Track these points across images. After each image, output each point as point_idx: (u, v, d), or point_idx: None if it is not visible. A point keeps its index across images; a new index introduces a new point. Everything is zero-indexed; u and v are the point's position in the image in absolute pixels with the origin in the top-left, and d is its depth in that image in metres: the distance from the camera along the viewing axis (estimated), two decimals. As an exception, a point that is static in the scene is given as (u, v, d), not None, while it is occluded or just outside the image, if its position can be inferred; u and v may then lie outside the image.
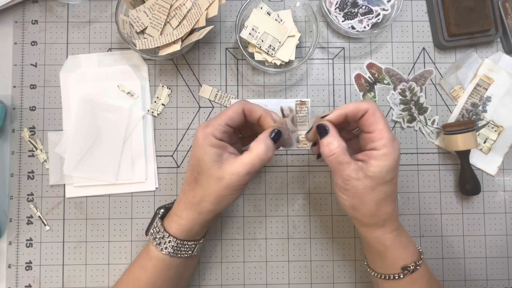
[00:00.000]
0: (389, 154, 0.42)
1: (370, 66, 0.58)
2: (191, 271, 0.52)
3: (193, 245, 0.48)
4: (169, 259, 0.47)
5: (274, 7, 0.57)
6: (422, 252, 0.47)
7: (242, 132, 0.51)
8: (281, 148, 0.49)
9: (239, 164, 0.43)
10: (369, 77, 0.58)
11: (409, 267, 0.45)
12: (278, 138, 0.45)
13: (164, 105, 0.57)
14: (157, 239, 0.47)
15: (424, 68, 0.59)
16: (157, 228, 0.47)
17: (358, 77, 0.58)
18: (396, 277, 0.45)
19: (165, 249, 0.46)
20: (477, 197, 0.58)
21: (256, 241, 0.57)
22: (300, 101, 0.57)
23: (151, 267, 0.47)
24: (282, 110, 0.56)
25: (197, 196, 0.45)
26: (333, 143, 0.42)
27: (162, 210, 0.49)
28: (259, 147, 0.44)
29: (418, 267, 0.45)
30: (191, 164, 0.46)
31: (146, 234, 0.49)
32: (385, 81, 0.58)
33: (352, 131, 0.49)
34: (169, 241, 0.46)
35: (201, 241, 0.49)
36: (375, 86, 0.58)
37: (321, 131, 0.44)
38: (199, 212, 0.46)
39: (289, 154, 0.57)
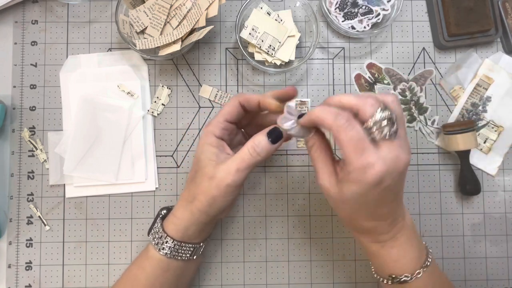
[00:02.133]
0: (357, 182, 0.36)
1: (370, 66, 0.58)
2: (191, 275, 0.52)
3: (191, 248, 0.47)
4: (167, 261, 0.47)
5: (274, 7, 0.57)
6: (428, 265, 0.43)
7: (247, 130, 0.52)
8: (284, 147, 0.47)
9: (230, 161, 0.42)
10: (369, 77, 0.58)
11: (396, 278, 0.43)
12: (277, 137, 0.43)
13: (164, 105, 0.57)
14: (155, 239, 0.47)
15: (424, 68, 0.59)
16: (156, 228, 0.47)
17: (358, 77, 0.58)
18: (385, 282, 0.44)
19: (162, 249, 0.46)
20: (477, 197, 0.58)
21: (256, 241, 0.57)
22: (300, 101, 0.57)
23: (149, 267, 0.47)
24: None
25: (191, 194, 0.45)
26: (308, 137, 0.41)
27: (164, 211, 0.49)
28: (250, 142, 0.43)
29: (410, 280, 0.42)
30: (193, 162, 0.46)
31: (148, 234, 0.49)
32: (385, 81, 0.58)
33: None
34: (166, 242, 0.46)
35: (200, 245, 0.48)
36: (375, 86, 0.58)
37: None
38: (192, 212, 0.45)
39: (289, 154, 0.57)
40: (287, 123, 0.41)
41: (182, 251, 0.47)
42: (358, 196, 0.37)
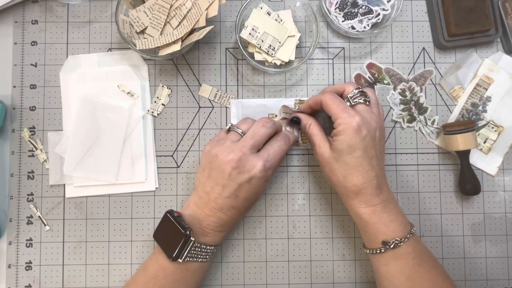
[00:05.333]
0: (344, 130, 0.47)
1: (370, 66, 0.58)
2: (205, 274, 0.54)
3: (214, 250, 0.50)
4: (198, 264, 0.49)
5: (274, 7, 0.57)
6: (413, 232, 0.48)
7: None
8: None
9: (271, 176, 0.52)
10: (369, 77, 0.58)
11: (389, 242, 0.47)
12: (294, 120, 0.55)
13: (164, 105, 0.57)
14: (199, 255, 0.48)
15: (424, 68, 0.59)
16: (204, 249, 0.48)
17: (358, 77, 0.58)
18: (377, 251, 0.48)
19: (203, 259, 0.49)
20: (477, 197, 0.58)
21: (256, 241, 0.57)
22: (300, 100, 0.57)
23: (190, 276, 0.49)
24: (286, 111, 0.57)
25: (245, 213, 0.53)
26: (306, 122, 0.52)
27: (188, 232, 0.46)
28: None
29: (400, 244, 0.47)
30: (244, 197, 0.48)
31: (177, 259, 0.46)
32: (385, 81, 0.58)
33: None
34: (210, 252, 0.50)
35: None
36: (375, 86, 0.58)
37: (295, 121, 0.54)
38: (239, 221, 0.56)
39: (289, 154, 0.57)
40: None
41: (209, 253, 0.50)
42: (347, 147, 0.47)
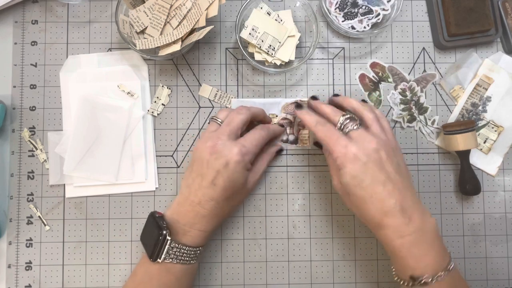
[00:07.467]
0: (343, 163, 0.44)
1: (373, 65, 0.58)
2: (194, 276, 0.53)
3: (197, 251, 0.49)
4: (170, 265, 0.48)
5: (274, 7, 0.57)
6: (450, 269, 0.44)
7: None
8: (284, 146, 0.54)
9: (253, 173, 0.52)
10: (373, 76, 0.58)
11: (417, 279, 0.43)
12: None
13: (164, 105, 0.57)
14: (180, 257, 0.47)
15: (424, 68, 0.59)
16: (185, 250, 0.47)
17: (363, 77, 0.58)
18: (406, 284, 0.44)
19: (189, 261, 0.48)
20: (477, 197, 0.58)
21: (256, 241, 0.57)
22: (300, 100, 0.57)
23: (174, 279, 0.48)
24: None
25: (226, 211, 0.50)
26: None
27: (165, 231, 0.46)
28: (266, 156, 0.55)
29: (430, 282, 0.42)
30: (222, 186, 0.47)
31: (156, 259, 0.46)
32: (389, 80, 0.58)
33: None
34: (196, 252, 0.49)
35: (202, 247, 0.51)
36: (380, 85, 0.58)
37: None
38: (221, 221, 0.52)
39: (289, 154, 0.57)
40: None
41: (192, 255, 0.48)
42: (351, 179, 0.44)
